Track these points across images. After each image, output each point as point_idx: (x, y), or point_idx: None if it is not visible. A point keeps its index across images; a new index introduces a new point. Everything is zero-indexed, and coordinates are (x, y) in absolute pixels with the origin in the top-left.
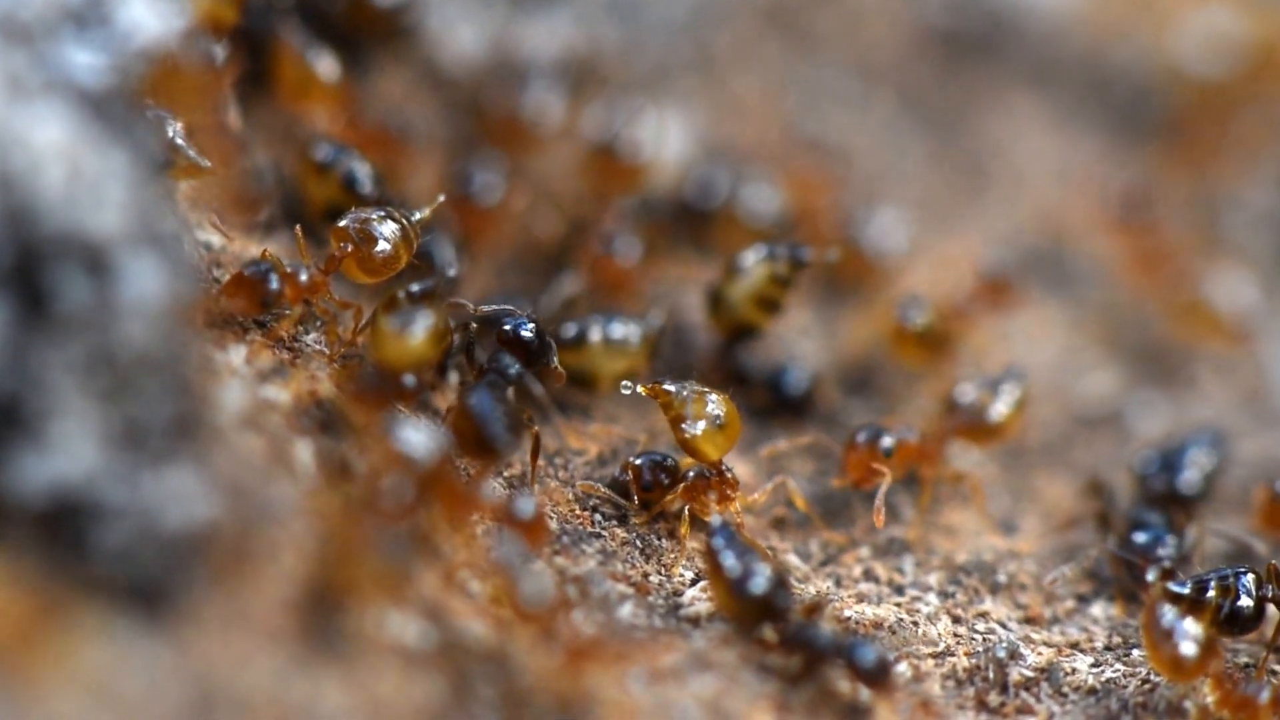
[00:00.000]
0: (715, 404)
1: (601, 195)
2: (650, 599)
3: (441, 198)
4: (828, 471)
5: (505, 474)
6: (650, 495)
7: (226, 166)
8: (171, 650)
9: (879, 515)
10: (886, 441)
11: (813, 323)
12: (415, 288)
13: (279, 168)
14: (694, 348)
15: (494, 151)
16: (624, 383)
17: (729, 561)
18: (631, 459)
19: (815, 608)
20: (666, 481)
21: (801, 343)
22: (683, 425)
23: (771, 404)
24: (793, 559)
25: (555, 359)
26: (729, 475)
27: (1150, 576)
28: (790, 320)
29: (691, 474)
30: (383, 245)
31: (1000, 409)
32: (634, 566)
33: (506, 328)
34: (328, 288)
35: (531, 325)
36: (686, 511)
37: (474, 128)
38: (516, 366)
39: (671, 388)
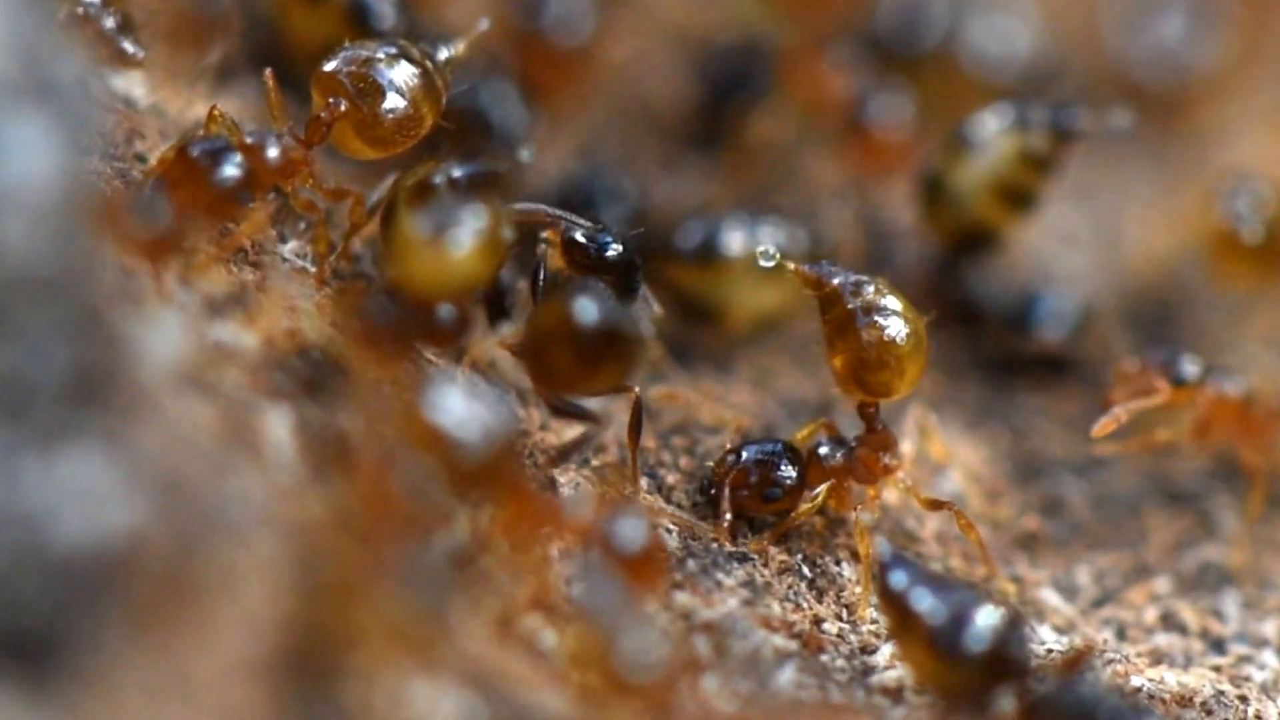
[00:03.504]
0: (900, 310)
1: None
2: (825, 658)
3: (484, 23)
4: (1107, 462)
5: (593, 460)
6: (778, 506)
7: None
8: None
9: (1103, 424)
10: (1188, 368)
11: (1081, 224)
12: (457, 171)
13: None
14: (897, 266)
15: None
16: (761, 248)
17: (925, 604)
18: (726, 455)
19: (1078, 661)
20: (791, 479)
21: (1065, 256)
22: (860, 334)
23: (1017, 351)
24: (1049, 595)
25: (646, 293)
26: (883, 430)
27: None
28: (1047, 220)
29: (823, 450)
30: (393, 100)
31: None
32: (799, 607)
33: (582, 241)
34: (312, 167)
35: (617, 242)
36: (858, 519)
37: None
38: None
39: (839, 276)
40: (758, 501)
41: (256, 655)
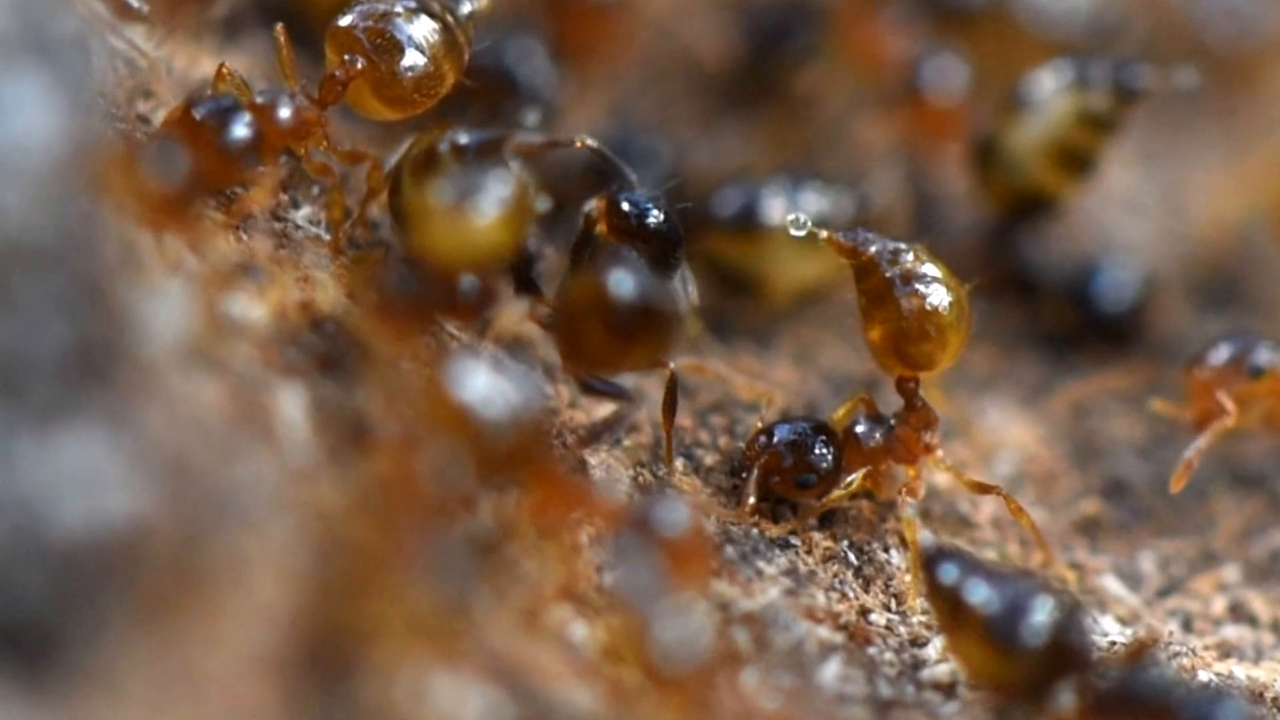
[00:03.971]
0: (941, 278)
1: None
2: (872, 651)
3: None
4: (1170, 439)
5: (626, 440)
6: (812, 493)
7: None
8: None
9: (1179, 475)
10: (1261, 357)
11: (1144, 188)
12: (464, 139)
13: None
14: (949, 232)
15: None
16: (792, 216)
17: (978, 595)
18: (758, 436)
19: (1140, 653)
20: (826, 463)
21: (1127, 223)
22: (899, 303)
23: (1076, 324)
24: (1111, 583)
25: (687, 273)
26: (924, 407)
27: None
28: (1108, 185)
29: (860, 430)
30: (413, 57)
31: None
32: (845, 597)
33: (625, 206)
34: (326, 129)
35: (658, 208)
36: (905, 501)
37: None
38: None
39: (875, 244)
40: (790, 487)
41: (269, 650)
